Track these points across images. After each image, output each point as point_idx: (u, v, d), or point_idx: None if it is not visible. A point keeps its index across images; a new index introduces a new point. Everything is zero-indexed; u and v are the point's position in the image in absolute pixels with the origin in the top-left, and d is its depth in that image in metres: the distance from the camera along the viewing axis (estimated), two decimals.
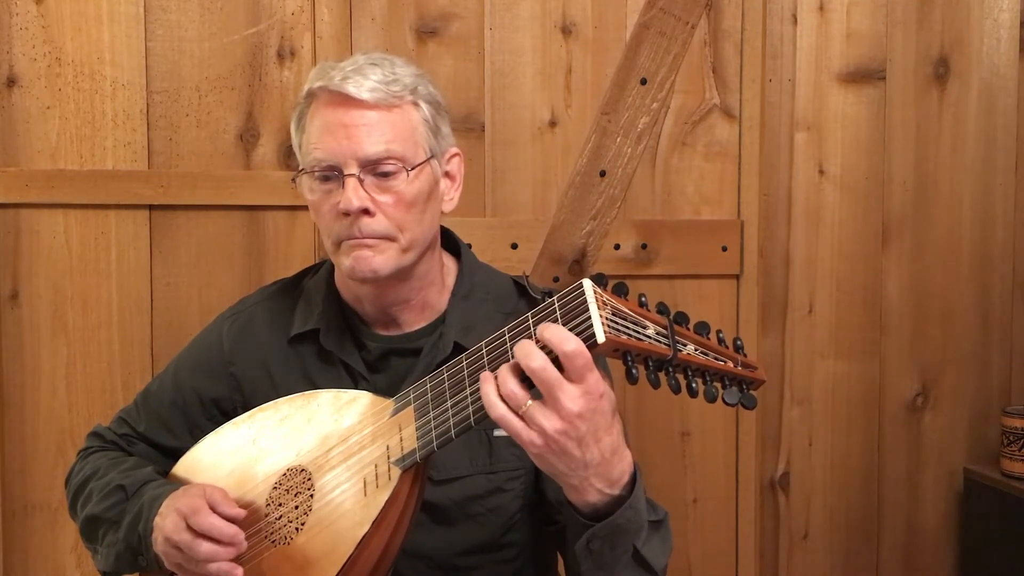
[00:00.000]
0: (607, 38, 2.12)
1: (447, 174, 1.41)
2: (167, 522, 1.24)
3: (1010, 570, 2.16)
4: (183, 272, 2.02)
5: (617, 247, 2.13)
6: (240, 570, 1.19)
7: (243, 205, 2.02)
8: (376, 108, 1.31)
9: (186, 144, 2.00)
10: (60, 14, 1.96)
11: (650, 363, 1.06)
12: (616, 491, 1.11)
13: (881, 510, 2.32)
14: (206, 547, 1.19)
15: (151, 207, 1.99)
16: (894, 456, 2.32)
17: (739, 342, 1.14)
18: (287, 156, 2.02)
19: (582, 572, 1.19)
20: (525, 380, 1.06)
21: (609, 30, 2.12)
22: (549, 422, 1.04)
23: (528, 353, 1.04)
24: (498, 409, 1.06)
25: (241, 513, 1.22)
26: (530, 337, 1.07)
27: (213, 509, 1.21)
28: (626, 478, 1.12)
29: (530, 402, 1.05)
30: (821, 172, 2.26)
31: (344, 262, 1.33)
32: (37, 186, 1.95)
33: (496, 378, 1.07)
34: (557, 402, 1.03)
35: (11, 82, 1.95)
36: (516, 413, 1.05)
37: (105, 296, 2.00)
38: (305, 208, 1.96)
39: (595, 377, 1.04)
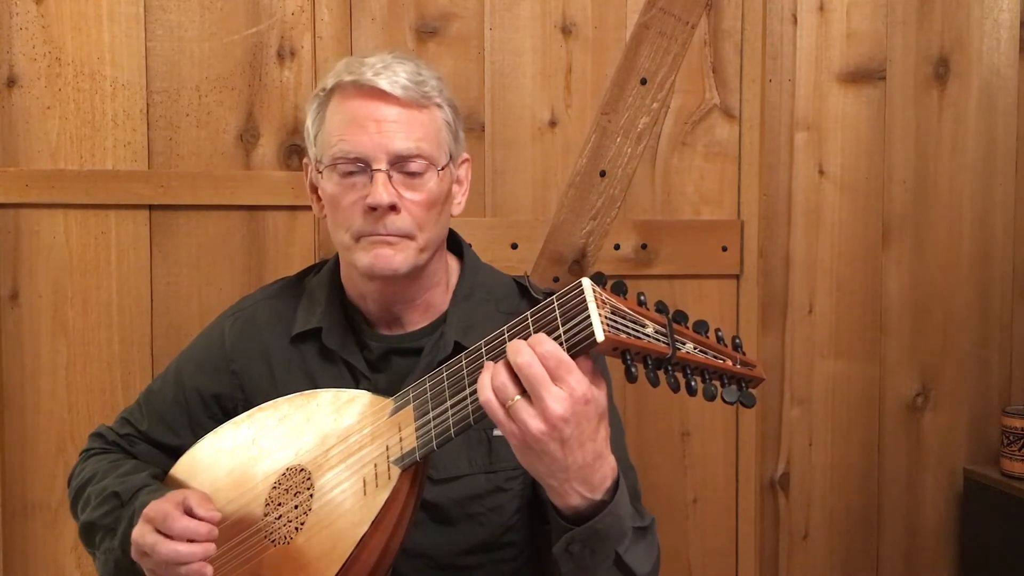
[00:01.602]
0: (607, 38, 2.12)
1: (457, 178, 1.42)
2: (135, 528, 1.23)
3: (1010, 570, 2.16)
4: (183, 272, 2.02)
5: (617, 247, 2.13)
6: (210, 569, 1.18)
7: (243, 205, 2.02)
8: (408, 106, 1.32)
9: (186, 144, 2.00)
10: (60, 14, 1.96)
11: (649, 361, 1.06)
12: (597, 496, 1.11)
13: (881, 510, 2.32)
14: (169, 548, 1.18)
15: (151, 207, 2.00)
16: (894, 456, 2.32)
17: (737, 340, 1.14)
18: (287, 156, 2.02)
19: (563, 575, 1.18)
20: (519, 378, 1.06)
21: (609, 30, 2.12)
22: (534, 422, 1.04)
23: (517, 349, 1.05)
24: (486, 393, 1.06)
25: (216, 516, 1.21)
26: (525, 338, 1.07)
27: (189, 512, 1.20)
28: (608, 483, 1.11)
29: (517, 397, 1.04)
30: (821, 172, 2.26)
31: (362, 258, 1.33)
32: (37, 186, 1.95)
33: (492, 369, 1.07)
34: (542, 402, 1.03)
35: (11, 82, 1.95)
36: (503, 405, 1.05)
37: (105, 296, 2.00)
38: (306, 208, 1.98)
39: (578, 381, 1.04)
